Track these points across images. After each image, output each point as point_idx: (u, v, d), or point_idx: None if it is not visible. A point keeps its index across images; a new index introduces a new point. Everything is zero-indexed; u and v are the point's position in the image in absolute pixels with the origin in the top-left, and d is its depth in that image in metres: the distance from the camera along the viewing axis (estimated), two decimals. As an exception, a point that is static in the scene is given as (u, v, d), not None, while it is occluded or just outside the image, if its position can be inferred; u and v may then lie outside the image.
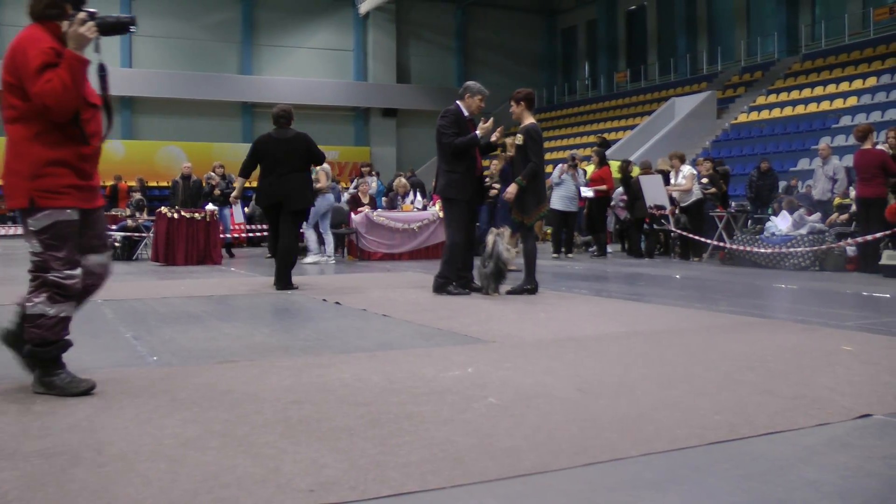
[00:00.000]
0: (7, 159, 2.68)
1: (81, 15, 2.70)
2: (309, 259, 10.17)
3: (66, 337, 2.75)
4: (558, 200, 10.65)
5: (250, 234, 14.37)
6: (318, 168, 9.05)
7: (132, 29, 2.77)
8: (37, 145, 2.64)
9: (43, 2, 2.75)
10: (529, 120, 6.20)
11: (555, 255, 11.11)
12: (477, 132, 6.14)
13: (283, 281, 6.52)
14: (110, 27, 2.74)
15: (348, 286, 6.89)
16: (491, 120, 6.27)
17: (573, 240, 11.56)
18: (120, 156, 24.64)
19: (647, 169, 11.86)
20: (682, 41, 26.86)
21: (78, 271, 2.70)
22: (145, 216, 12.12)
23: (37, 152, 2.64)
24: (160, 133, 25.58)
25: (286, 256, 6.53)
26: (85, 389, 2.71)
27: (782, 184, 13.54)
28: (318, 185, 9.50)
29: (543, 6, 32.45)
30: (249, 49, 27.07)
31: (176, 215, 9.89)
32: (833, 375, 3.03)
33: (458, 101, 6.26)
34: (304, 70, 27.73)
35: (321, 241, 10.50)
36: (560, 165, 11.05)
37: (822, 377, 3.01)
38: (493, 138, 6.25)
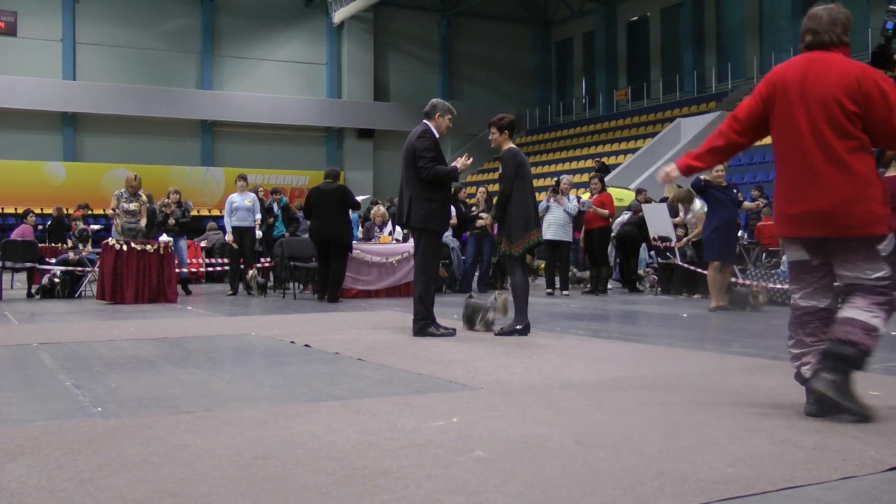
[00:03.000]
0: (855, 187, 3.10)
1: None
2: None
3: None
4: (546, 229, 10.71)
5: (209, 269, 14.33)
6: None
7: None
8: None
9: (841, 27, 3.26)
10: (509, 145, 6.28)
11: (548, 291, 11.19)
12: (457, 165, 6.20)
13: (333, 295, 9.70)
14: None
15: (319, 327, 6.88)
16: (470, 159, 6.35)
17: (568, 274, 11.63)
18: (60, 180, 24.51)
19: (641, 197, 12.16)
20: (688, 56, 27.43)
21: None
22: (89, 248, 12.06)
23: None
24: (107, 154, 25.53)
25: (335, 277, 9.80)
26: None
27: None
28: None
29: (536, 17, 33.05)
30: (210, 61, 27.25)
31: (125, 247, 9.86)
32: (859, 423, 3.08)
33: (426, 121, 6.30)
34: (271, 85, 27.96)
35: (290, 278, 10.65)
36: (546, 194, 11.17)
37: (846, 425, 3.05)
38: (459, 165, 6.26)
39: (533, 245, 6.20)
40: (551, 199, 10.94)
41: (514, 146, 6.31)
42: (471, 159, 6.41)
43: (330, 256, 9.81)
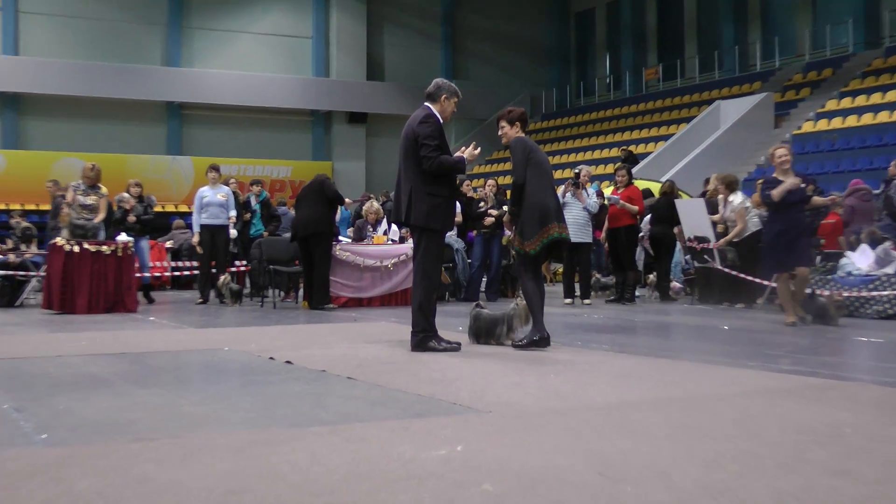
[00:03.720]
0: None
1: None
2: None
3: None
4: None
5: (175, 274, 14.36)
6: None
7: None
8: None
9: None
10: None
11: (567, 300, 11.19)
12: (463, 155, 6.22)
13: (318, 299, 10.17)
14: None
15: (303, 340, 6.90)
16: (478, 149, 6.37)
17: (590, 281, 11.63)
18: (0, 170, 24.41)
19: (668, 191, 12.12)
20: (728, 29, 27.43)
21: None
22: (34, 249, 12.10)
23: None
24: (56, 141, 25.53)
25: (319, 278, 10.21)
26: None
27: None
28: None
29: (553, -16, 33.08)
30: (178, 34, 27.29)
31: (76, 248, 9.87)
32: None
33: (428, 104, 6.33)
34: (249, 62, 27.99)
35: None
36: (564, 184, 11.15)
37: (911, 456, 3.04)
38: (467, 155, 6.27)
39: (553, 241, 6.16)
40: (568, 194, 10.86)
41: (523, 135, 6.36)
42: (478, 149, 6.42)
43: (312, 256, 10.18)
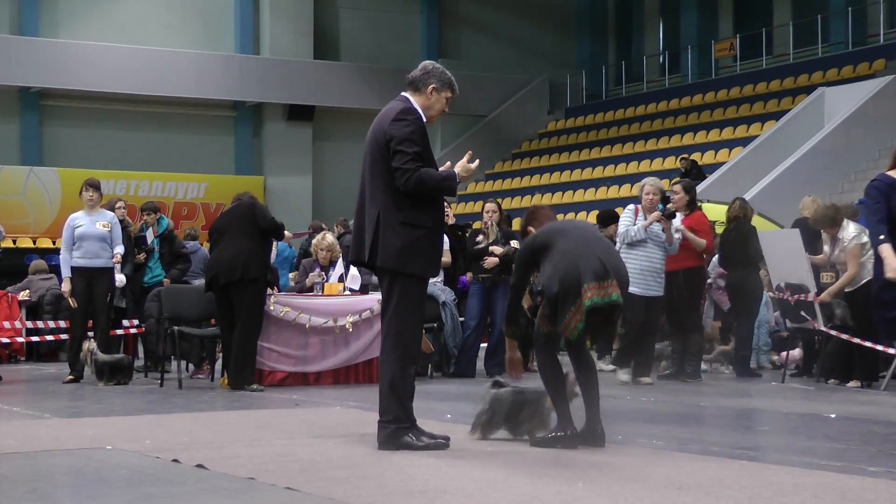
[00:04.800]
0: None
1: None
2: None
3: None
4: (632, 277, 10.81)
5: (34, 340, 14.29)
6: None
7: None
8: None
9: None
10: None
11: (623, 377, 10.90)
12: (455, 170, 6.27)
13: (239, 376, 10.05)
14: None
15: (222, 434, 6.86)
16: (476, 162, 6.38)
17: (653, 350, 11.62)
18: None
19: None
20: (836, -13, 27.48)
21: None
22: None
23: None
24: None
25: (241, 342, 10.08)
26: None
27: None
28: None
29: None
30: (36, -10, 27.19)
31: None
32: None
33: (406, 95, 6.38)
34: (141, 31, 27.96)
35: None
36: (630, 207, 11.04)
37: None
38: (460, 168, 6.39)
39: (600, 307, 6.18)
40: (655, 225, 10.74)
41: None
42: (476, 162, 6.41)
43: (235, 312, 10.15)
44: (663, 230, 10.74)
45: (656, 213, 10.75)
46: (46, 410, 8.68)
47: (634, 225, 10.73)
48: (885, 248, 8.87)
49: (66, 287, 11.30)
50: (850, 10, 26.80)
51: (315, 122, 29.54)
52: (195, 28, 28.66)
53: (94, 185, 11.57)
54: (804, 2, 28.62)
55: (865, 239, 10.74)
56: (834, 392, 10.26)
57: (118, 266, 11.49)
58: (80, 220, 11.29)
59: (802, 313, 11.14)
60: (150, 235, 12.81)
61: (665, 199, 11.13)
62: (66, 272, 11.26)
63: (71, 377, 11.21)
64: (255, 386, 10.14)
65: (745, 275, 11.98)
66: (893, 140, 21.30)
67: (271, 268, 10.90)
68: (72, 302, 11.24)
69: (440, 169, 6.29)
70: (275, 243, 13.43)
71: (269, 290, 10.68)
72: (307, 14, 29.39)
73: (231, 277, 10.11)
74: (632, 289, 9.30)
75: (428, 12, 31.07)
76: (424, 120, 6.30)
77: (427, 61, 6.58)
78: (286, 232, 11.55)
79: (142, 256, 12.62)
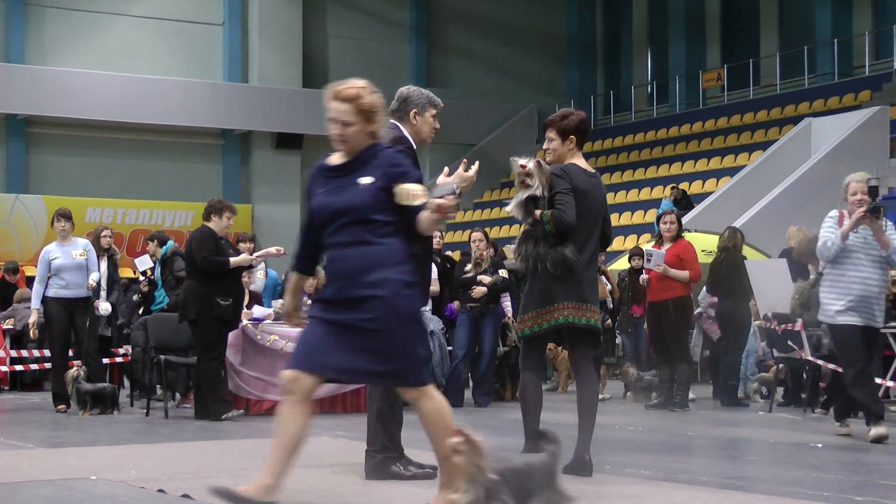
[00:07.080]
0: None
1: None
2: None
3: None
4: None
5: (18, 369, 14.25)
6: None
7: None
8: None
9: None
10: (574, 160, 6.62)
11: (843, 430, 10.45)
12: (452, 183, 6.25)
13: (205, 404, 10.09)
14: None
15: (207, 464, 6.85)
16: (474, 169, 6.26)
17: (636, 377, 11.66)
18: None
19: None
20: (824, 16, 27.45)
21: None
22: None
23: None
24: None
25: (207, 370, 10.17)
26: None
27: None
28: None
29: (573, -47, 33.35)
30: (22, 12, 27.19)
31: None
32: None
33: (395, 122, 6.46)
34: (128, 59, 27.96)
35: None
36: (833, 213, 8.96)
37: None
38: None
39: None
40: (859, 230, 8.62)
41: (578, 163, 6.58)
42: (474, 168, 6.21)
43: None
44: (874, 232, 8.66)
45: (859, 212, 8.59)
46: (30, 440, 8.67)
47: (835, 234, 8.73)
48: None
49: (32, 318, 11.40)
50: (835, 42, 26.99)
51: (304, 150, 29.55)
52: (183, 56, 28.68)
53: (66, 216, 11.58)
54: (791, 33, 28.77)
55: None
56: (820, 421, 10.29)
57: (103, 294, 11.48)
58: (55, 253, 11.29)
59: (790, 343, 11.19)
60: (151, 271, 12.87)
61: (872, 193, 10.32)
62: (35, 304, 11.31)
63: (61, 407, 11.12)
64: (232, 413, 10.06)
65: (736, 304, 12.03)
66: (879, 170, 21.46)
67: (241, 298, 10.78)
68: (33, 332, 11.34)
69: (438, 177, 6.27)
70: (262, 270, 13.44)
71: (243, 320, 10.71)
72: (296, 42, 29.47)
73: (183, 317, 10.34)
74: (846, 318, 8.52)
75: (417, 41, 31.17)
76: (415, 147, 6.39)
77: (401, 88, 6.69)
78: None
79: (144, 287, 12.72)
